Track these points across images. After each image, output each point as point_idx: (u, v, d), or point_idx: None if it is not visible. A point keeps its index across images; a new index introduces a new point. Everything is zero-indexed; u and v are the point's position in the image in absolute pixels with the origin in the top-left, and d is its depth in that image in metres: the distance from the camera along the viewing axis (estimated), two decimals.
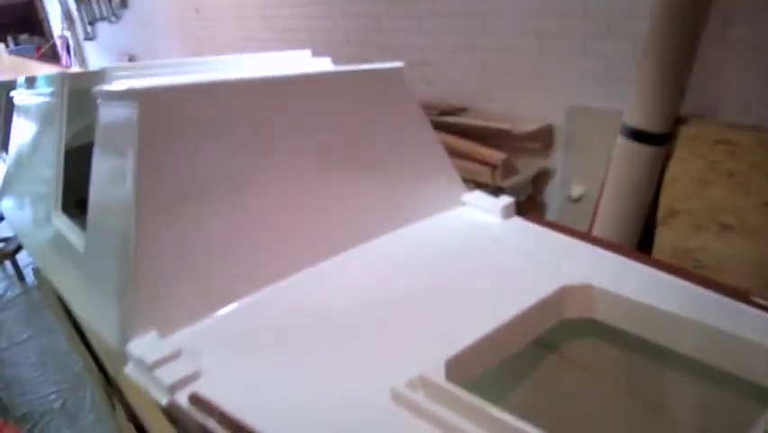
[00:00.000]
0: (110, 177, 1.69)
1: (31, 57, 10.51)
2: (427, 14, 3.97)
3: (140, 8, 8.11)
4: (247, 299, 1.56)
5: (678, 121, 2.68)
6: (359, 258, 1.76)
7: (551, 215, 3.49)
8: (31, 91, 2.66)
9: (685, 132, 2.67)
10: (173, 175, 1.53)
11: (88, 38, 10.01)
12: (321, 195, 1.81)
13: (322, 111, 1.87)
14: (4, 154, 3.29)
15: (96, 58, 10.22)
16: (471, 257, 1.78)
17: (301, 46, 5.46)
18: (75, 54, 10.64)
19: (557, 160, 3.46)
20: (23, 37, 12.43)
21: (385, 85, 2.06)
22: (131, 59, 8.59)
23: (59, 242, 2.09)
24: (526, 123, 3.43)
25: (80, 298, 1.82)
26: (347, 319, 1.48)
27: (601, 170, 2.99)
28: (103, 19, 9.16)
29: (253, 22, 5.89)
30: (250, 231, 1.64)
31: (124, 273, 1.47)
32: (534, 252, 1.79)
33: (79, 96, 2.33)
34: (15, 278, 4.63)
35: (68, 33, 10.61)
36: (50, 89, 2.35)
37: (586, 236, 1.85)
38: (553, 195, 3.53)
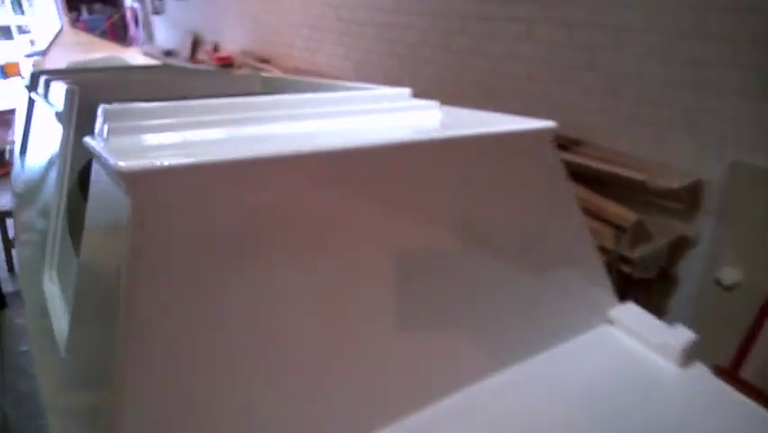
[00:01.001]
0: (99, 267, 1.12)
1: (99, 30, 10.30)
2: (539, 19, 3.15)
3: None
4: None
5: None
6: (475, 403, 1.17)
7: (687, 300, 2.66)
8: (41, 99, 2.15)
9: None
10: (188, 303, 0.93)
11: (156, 12, 9.65)
12: (420, 315, 1.18)
13: (431, 191, 1.20)
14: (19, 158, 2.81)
15: (162, 31, 9.87)
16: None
17: (371, 44, 4.86)
18: (143, 27, 10.34)
19: (703, 228, 2.62)
20: (97, 6, 12.38)
21: (527, 153, 1.36)
22: (195, 38, 8.14)
23: (44, 316, 1.56)
24: (666, 174, 2.60)
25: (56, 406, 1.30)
26: None
27: None
28: None
29: (323, 9, 5.21)
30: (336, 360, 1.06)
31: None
32: None
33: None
34: None
35: (137, 5, 10.32)
36: (56, 108, 1.78)
37: None
38: (690, 271, 2.69)
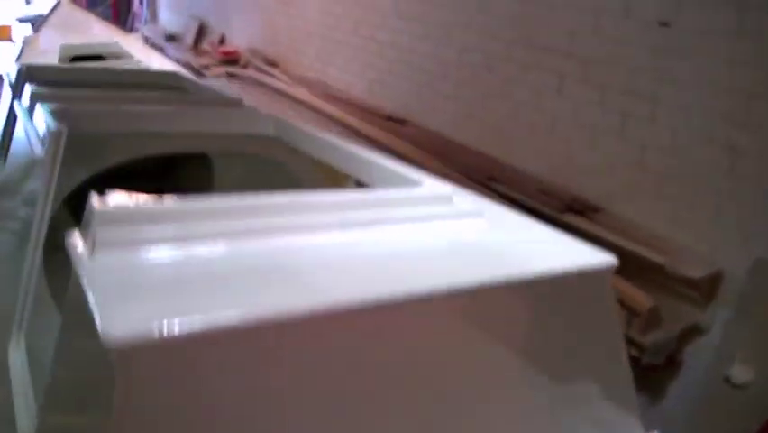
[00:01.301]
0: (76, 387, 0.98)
1: (103, 5, 9.98)
2: (572, 75, 3.05)
3: None
4: None
5: None
6: None
7: (694, 391, 2.56)
8: (29, 123, 1.86)
9: None
10: None
11: None
12: None
13: (475, 328, 1.04)
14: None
15: (167, 12, 9.59)
16: None
17: (389, 65, 4.72)
18: (147, 5, 10.04)
19: (716, 319, 2.53)
20: None
21: (582, 293, 1.19)
22: (201, 25, 7.90)
23: (7, 390, 1.32)
24: (686, 260, 2.51)
25: None
26: None
27: None
28: None
29: (340, 20, 5.06)
30: None
31: None
32: None
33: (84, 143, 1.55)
34: None
35: None
36: (40, 143, 1.54)
37: None
38: (698, 359, 2.60)
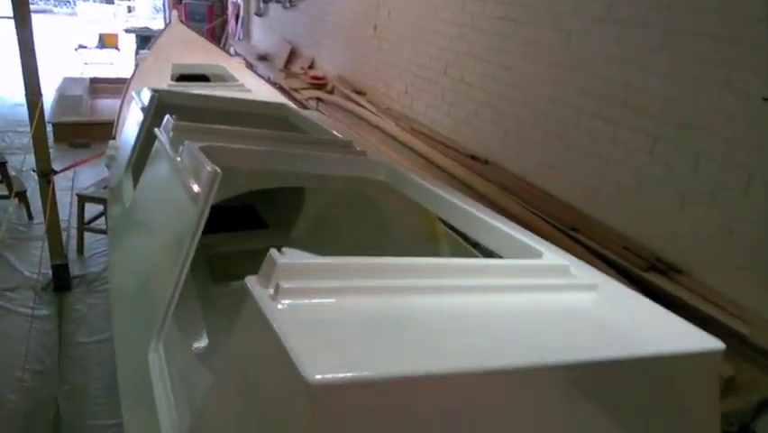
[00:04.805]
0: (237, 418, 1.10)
1: (199, 15, 10.65)
2: (665, 139, 3.15)
3: (317, 3, 7.81)
4: None
5: None
6: None
7: None
8: (172, 159, 2.06)
9: None
10: None
11: (258, 13, 9.96)
12: None
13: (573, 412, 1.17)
14: (129, 176, 2.80)
15: (260, 33, 10.17)
16: None
17: (475, 107, 4.92)
18: (242, 24, 10.67)
19: None
20: None
21: (689, 376, 1.28)
22: (293, 48, 8.36)
23: (144, 389, 1.52)
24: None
25: None
26: None
27: None
28: (278, 1, 9.01)
29: (432, 61, 5.30)
30: None
31: None
32: None
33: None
34: None
35: (240, 2, 10.66)
36: (192, 186, 1.74)
37: None
38: None
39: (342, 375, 0.87)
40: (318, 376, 0.85)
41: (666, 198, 3.14)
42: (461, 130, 4.91)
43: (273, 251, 1.14)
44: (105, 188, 4.06)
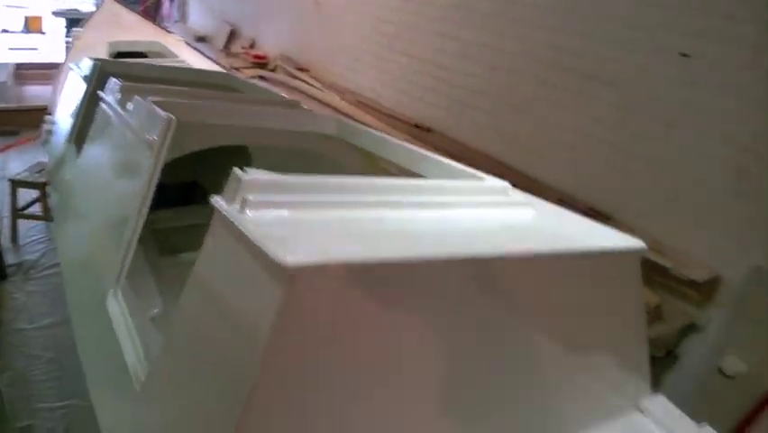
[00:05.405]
0: (205, 341, 1.15)
1: (134, 9, 10.31)
2: (597, 99, 3.39)
3: None
4: None
5: None
6: None
7: (689, 381, 2.86)
8: (122, 116, 2.09)
9: None
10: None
11: None
12: (489, 404, 1.28)
13: (519, 300, 1.30)
14: (72, 146, 2.79)
15: (197, 15, 9.95)
16: None
17: (420, 77, 5.05)
18: (178, 5, 10.40)
19: (713, 318, 2.83)
20: None
21: (616, 271, 1.47)
22: (233, 29, 8.25)
23: (106, 337, 1.56)
24: (691, 264, 2.81)
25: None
26: None
27: None
28: None
29: (376, 34, 5.40)
30: None
31: None
32: None
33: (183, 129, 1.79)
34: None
35: None
36: (145, 135, 1.78)
37: None
38: (694, 354, 2.90)
39: (315, 259, 0.93)
40: (292, 259, 0.90)
41: (597, 152, 3.38)
42: (405, 101, 5.05)
43: (236, 169, 1.17)
44: (40, 172, 3.95)
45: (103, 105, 2.39)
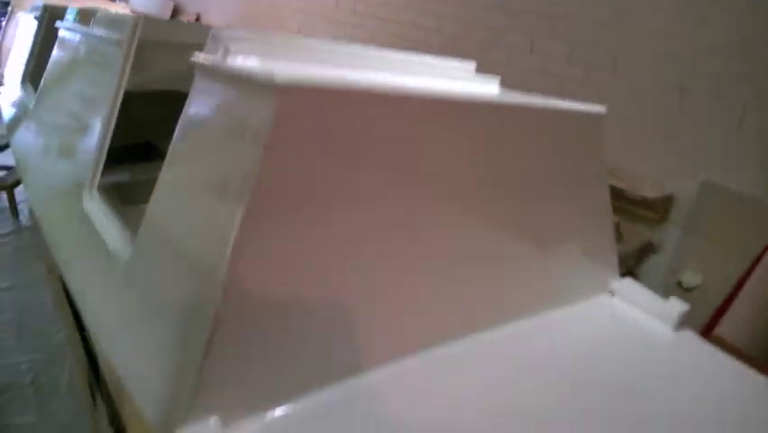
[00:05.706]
0: (195, 183, 1.14)
1: None
2: (543, 35, 3.44)
3: None
4: (349, 384, 1.12)
5: None
6: (478, 351, 1.31)
7: None
8: (85, 29, 2.11)
9: None
10: (297, 211, 1.03)
11: None
12: (460, 258, 1.31)
13: (489, 151, 1.34)
14: (28, 85, 2.75)
15: None
16: (636, 383, 1.31)
17: (371, 32, 5.02)
18: None
19: (669, 236, 2.94)
20: None
21: (578, 131, 1.54)
22: (176, 5, 8.00)
23: (86, 233, 1.56)
24: (644, 185, 2.91)
25: (106, 326, 1.27)
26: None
27: (730, 263, 2.50)
28: None
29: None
30: (367, 295, 1.16)
31: (195, 336, 0.96)
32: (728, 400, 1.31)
33: (148, 48, 1.79)
34: (9, 212, 4.05)
35: None
36: (113, 36, 1.79)
37: None
38: (653, 272, 3.01)
39: (299, 80, 0.97)
40: (279, 78, 0.93)
41: (547, 85, 3.44)
42: None
43: (214, 29, 1.20)
44: None
45: (63, 31, 2.41)
